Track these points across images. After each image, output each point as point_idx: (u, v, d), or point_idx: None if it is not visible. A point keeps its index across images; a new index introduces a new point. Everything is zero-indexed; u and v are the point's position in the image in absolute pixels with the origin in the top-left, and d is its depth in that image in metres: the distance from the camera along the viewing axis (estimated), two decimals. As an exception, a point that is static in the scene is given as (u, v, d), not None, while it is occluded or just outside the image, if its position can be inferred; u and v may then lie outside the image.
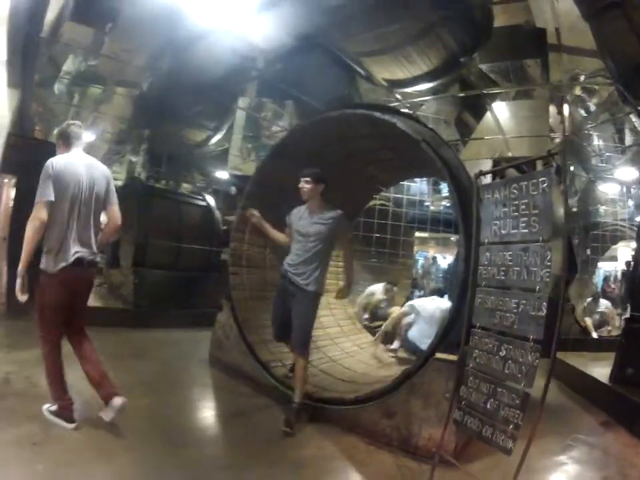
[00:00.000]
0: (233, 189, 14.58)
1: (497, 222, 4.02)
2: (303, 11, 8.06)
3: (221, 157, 15.18)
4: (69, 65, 11.49)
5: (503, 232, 3.96)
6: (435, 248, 23.49)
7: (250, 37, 9.35)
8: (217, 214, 13.32)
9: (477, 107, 10.88)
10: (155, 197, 12.45)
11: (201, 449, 5.00)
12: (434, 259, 22.83)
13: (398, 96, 10.17)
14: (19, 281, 4.48)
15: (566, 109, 9.86)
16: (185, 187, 16.12)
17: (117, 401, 4.77)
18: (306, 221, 5.93)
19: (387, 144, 7.01)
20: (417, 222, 15.53)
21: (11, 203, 8.95)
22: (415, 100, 10.26)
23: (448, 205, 16.39)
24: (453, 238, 19.70)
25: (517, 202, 3.83)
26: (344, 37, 8.49)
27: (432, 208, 17.01)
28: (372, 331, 9.82)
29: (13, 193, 9.00)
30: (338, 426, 5.59)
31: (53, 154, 4.85)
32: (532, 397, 3.55)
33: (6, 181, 8.86)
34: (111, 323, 9.35)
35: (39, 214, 4.49)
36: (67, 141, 4.91)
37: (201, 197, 13.73)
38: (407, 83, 9.24)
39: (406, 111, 9.08)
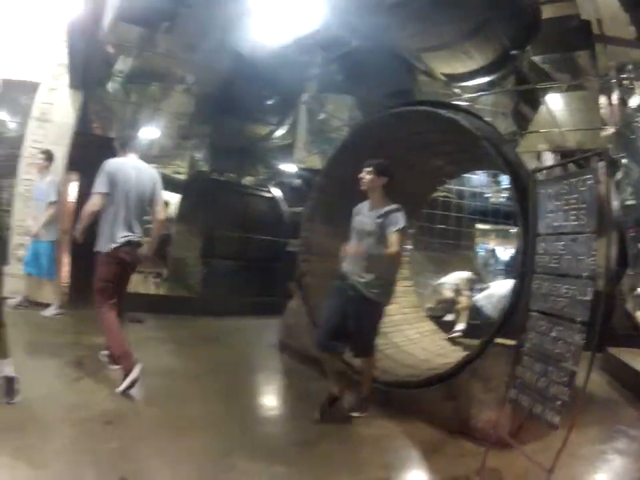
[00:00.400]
0: (297, 182, 14.79)
1: (550, 215, 4.29)
2: (364, 9, 8.23)
3: (285, 150, 15.37)
4: (121, 64, 11.82)
5: (555, 224, 4.22)
6: (495, 240, 23.22)
7: (312, 34, 9.52)
8: (283, 206, 13.55)
9: (532, 99, 10.89)
10: (220, 190, 12.82)
11: (273, 427, 5.40)
12: (493, 251, 22.48)
13: (456, 90, 10.30)
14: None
15: (614, 100, 9.81)
16: (249, 179, 16.39)
17: (135, 373, 5.40)
18: (366, 217, 5.55)
19: (450, 138, 7.18)
20: (478, 214, 15.57)
21: (74, 198, 9.32)
22: (473, 95, 10.35)
23: (507, 197, 16.33)
24: (513, 230, 19.57)
25: (567, 197, 4.10)
26: (404, 34, 8.64)
27: (492, 200, 16.93)
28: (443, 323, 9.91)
29: (75, 188, 9.41)
30: (401, 408, 5.83)
31: (112, 150, 5.73)
32: (579, 388, 3.79)
33: (70, 177, 9.26)
34: (179, 311, 9.86)
35: (94, 201, 5.62)
36: (123, 148, 6.11)
37: (266, 189, 14.01)
38: (466, 77, 9.37)
39: (464, 104, 9.18)
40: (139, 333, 7.70)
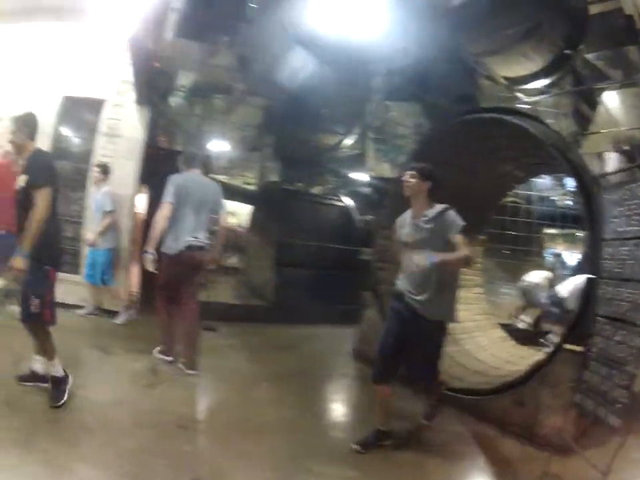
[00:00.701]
0: (368, 190, 14.81)
1: (615, 220, 4.34)
2: (424, 16, 8.29)
3: (355, 159, 15.17)
4: (183, 79, 11.80)
5: (619, 229, 4.27)
6: (562, 245, 22.67)
7: (379, 43, 9.58)
8: (354, 214, 13.57)
9: (590, 98, 10.73)
10: (291, 199, 12.88)
11: (346, 432, 5.51)
12: (559, 255, 21.89)
13: (518, 94, 10.24)
14: (149, 257, 6.08)
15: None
16: (319, 189, 16.46)
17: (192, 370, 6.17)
18: (410, 228, 5.00)
19: (516, 144, 7.25)
20: (547, 218, 15.33)
21: (144, 210, 9.53)
22: (535, 98, 10.28)
23: (573, 200, 16.07)
24: (579, 234, 19.15)
25: (629, 202, 4.14)
26: (464, 39, 8.66)
27: (558, 203, 16.65)
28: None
29: (145, 200, 9.62)
30: (472, 414, 5.94)
31: (177, 164, 6.69)
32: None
33: (141, 189, 9.47)
34: (252, 319, 10.03)
35: (163, 210, 6.20)
36: (187, 164, 6.75)
37: (337, 198, 14.08)
38: (526, 80, 9.32)
39: (526, 107, 9.14)
40: (213, 341, 7.92)
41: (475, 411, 5.97)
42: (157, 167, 8.85)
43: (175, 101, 12.36)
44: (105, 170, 8.54)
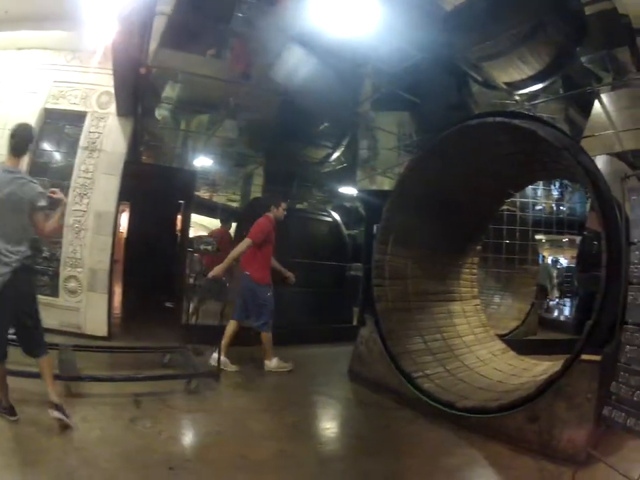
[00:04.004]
0: (355, 204, 14.66)
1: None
2: (420, 22, 8.14)
3: (343, 172, 15.22)
4: (169, 91, 11.76)
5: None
6: (549, 250, 22.64)
7: (369, 52, 9.44)
8: (343, 229, 13.34)
9: (582, 103, 10.70)
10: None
11: (352, 460, 5.17)
12: (556, 262, 21.86)
13: (516, 98, 10.14)
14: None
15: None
16: (306, 204, 16.31)
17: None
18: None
19: (522, 147, 6.98)
20: (538, 225, 15.08)
21: (124, 228, 9.32)
22: (533, 102, 10.17)
23: (560, 205, 16.05)
24: (565, 239, 19.13)
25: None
26: (461, 45, 8.56)
27: (548, 210, 16.63)
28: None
29: (126, 218, 9.41)
30: (481, 433, 5.64)
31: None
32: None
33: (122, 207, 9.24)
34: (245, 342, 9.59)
35: None
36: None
37: (326, 213, 13.82)
38: (522, 85, 9.25)
39: (524, 111, 9.00)
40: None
41: (485, 430, 5.68)
42: (139, 184, 8.57)
43: (160, 113, 12.10)
44: None
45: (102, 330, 8.51)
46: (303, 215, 13.74)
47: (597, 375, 4.77)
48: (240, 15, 9.11)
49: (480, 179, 7.91)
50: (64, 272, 8.55)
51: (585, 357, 5.03)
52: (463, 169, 7.48)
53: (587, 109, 10.47)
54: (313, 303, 11.30)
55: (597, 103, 9.78)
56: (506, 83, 9.23)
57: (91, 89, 8.88)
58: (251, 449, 4.98)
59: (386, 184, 14.00)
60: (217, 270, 7.66)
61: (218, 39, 9.56)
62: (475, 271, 9.34)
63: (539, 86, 9.45)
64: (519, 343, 10.02)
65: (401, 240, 7.91)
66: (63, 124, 9.01)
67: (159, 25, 7.94)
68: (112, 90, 8.49)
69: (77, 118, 8.91)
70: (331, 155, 14.18)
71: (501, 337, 9.66)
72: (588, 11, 8.35)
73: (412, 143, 12.25)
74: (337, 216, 13.62)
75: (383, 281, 7.92)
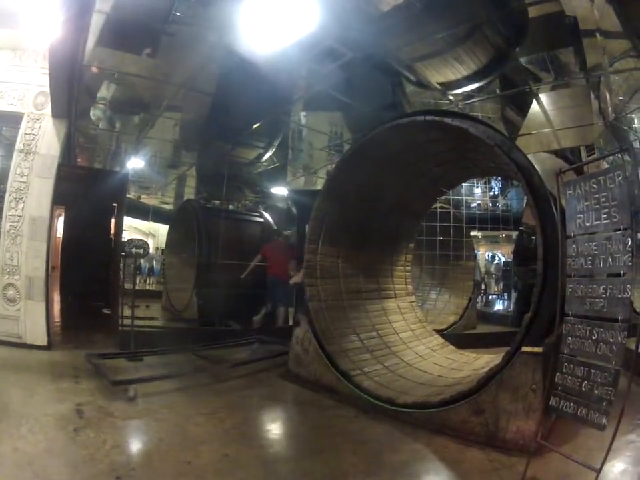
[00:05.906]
0: (286, 204, 14.66)
1: (581, 215, 4.23)
2: (350, 22, 8.13)
3: (274, 172, 15.19)
4: (104, 92, 11.46)
5: (587, 224, 4.17)
6: (485, 246, 23.04)
7: (298, 52, 9.40)
8: (275, 230, 13.30)
9: (519, 102, 10.89)
10: (210, 218, 12.43)
11: (295, 461, 5.10)
12: (493, 257, 22.24)
13: (449, 98, 10.25)
14: None
15: (605, 94, 9.79)
16: (238, 205, 16.24)
17: None
18: None
19: (453, 146, 7.09)
20: (469, 222, 15.34)
21: (60, 233, 9.07)
22: (466, 102, 10.31)
23: (496, 202, 16.34)
24: (503, 235, 19.49)
25: (597, 195, 4.05)
26: (395, 45, 8.59)
27: (483, 207, 16.94)
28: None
29: (61, 222, 9.16)
30: (426, 428, 5.67)
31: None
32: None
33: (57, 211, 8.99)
34: (178, 342, 9.44)
35: None
36: None
37: (257, 214, 13.82)
38: (457, 84, 9.35)
39: (459, 111, 9.11)
40: (142, 372, 7.47)
41: (429, 425, 5.71)
42: (74, 187, 8.34)
43: (95, 114, 11.81)
44: None
45: (42, 339, 8.29)
46: (232, 216, 13.73)
47: (540, 367, 4.92)
48: (177, 14, 8.94)
49: (411, 178, 8.00)
50: (2, 280, 8.31)
51: (526, 349, 5.13)
52: (394, 167, 7.55)
53: (524, 109, 10.69)
54: (247, 303, 11.42)
55: (535, 103, 10.01)
56: (440, 83, 9.34)
57: (27, 89, 8.61)
58: (194, 454, 4.92)
59: (318, 184, 14.06)
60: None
61: (155, 38, 9.38)
62: (409, 268, 9.39)
63: (475, 86, 9.58)
64: (458, 337, 10.24)
65: (332, 239, 7.95)
66: (1, 126, 8.71)
67: (96, 23, 7.73)
68: (48, 90, 8.22)
69: (14, 119, 8.65)
70: (262, 155, 14.17)
71: (440, 331, 9.76)
72: (532, 12, 8.52)
73: (342, 142, 12.28)
74: (268, 216, 13.67)
75: (315, 280, 7.93)
